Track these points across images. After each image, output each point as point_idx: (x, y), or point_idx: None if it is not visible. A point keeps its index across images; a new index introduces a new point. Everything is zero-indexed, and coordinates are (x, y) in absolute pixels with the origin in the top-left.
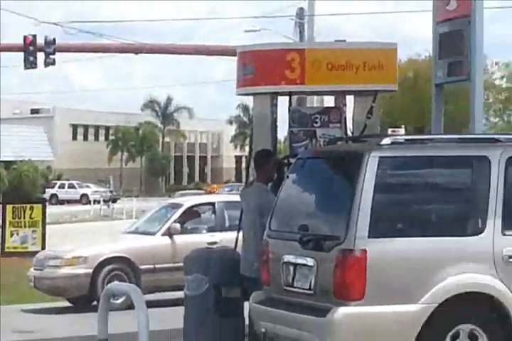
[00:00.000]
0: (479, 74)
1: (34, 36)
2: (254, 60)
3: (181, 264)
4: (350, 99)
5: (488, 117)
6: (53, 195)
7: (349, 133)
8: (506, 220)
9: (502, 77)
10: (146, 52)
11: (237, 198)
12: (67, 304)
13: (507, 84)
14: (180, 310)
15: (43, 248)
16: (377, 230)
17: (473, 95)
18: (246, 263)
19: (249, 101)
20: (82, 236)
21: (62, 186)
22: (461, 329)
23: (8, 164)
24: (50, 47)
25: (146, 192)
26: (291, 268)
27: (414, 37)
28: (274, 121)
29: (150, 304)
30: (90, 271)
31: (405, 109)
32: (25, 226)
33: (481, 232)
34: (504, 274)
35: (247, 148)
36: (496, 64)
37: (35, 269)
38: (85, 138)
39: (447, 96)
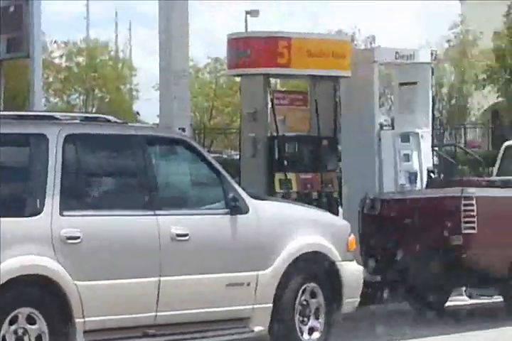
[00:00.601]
0: (38, 51)
1: None
2: None
3: None
4: None
5: (48, 97)
6: None
7: None
8: (64, 200)
9: (61, 56)
10: None
11: None
12: None
13: (66, 63)
14: None
15: None
16: None
17: (32, 73)
18: None
19: None
20: None
21: None
22: (20, 313)
23: None
24: None
25: None
26: None
27: None
28: None
29: None
30: None
31: None
32: None
33: (39, 213)
34: (62, 255)
35: None
36: (55, 42)
37: None
38: None
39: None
